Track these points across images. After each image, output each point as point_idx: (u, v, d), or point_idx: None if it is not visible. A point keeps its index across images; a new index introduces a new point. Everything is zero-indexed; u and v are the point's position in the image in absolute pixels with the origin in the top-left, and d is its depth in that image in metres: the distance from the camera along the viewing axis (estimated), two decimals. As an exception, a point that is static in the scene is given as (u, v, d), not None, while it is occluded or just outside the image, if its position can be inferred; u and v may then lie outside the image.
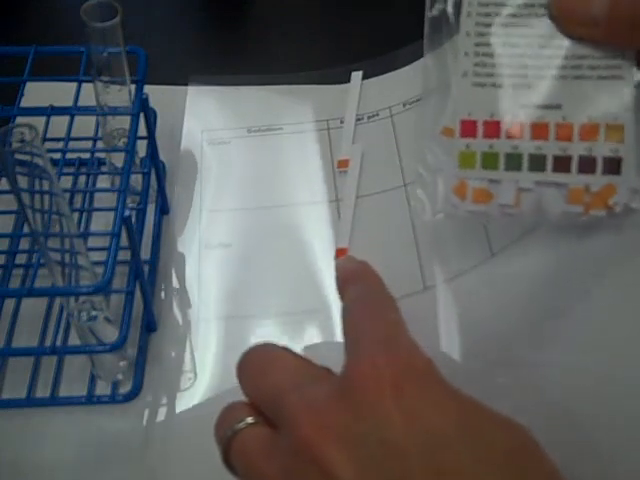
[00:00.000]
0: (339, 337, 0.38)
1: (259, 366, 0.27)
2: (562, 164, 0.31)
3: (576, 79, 0.31)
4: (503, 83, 0.32)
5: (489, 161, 0.32)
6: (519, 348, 0.33)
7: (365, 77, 0.49)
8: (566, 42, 0.31)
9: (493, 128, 0.32)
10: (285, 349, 0.28)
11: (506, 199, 0.32)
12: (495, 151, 0.32)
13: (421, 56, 0.47)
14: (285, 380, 0.26)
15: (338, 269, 0.30)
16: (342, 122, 0.47)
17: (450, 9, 0.34)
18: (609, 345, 0.30)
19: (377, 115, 0.47)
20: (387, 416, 0.23)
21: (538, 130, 0.31)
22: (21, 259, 0.41)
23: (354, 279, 0.29)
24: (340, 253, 0.41)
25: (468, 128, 0.32)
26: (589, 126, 0.31)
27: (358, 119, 0.47)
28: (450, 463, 0.22)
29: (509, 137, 0.32)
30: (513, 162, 0.32)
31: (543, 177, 0.31)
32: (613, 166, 0.31)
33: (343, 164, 0.45)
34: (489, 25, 0.32)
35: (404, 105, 0.47)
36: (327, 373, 0.27)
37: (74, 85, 0.38)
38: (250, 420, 0.26)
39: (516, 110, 0.32)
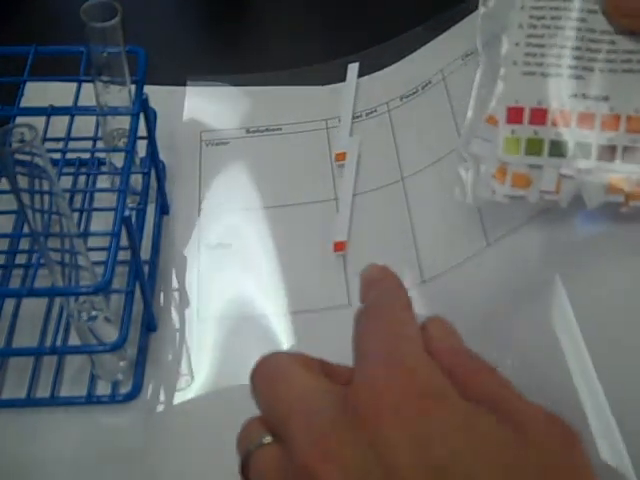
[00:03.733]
0: (338, 338, 0.38)
1: (268, 382, 0.26)
2: (607, 153, 0.31)
3: (625, 72, 0.31)
4: (552, 73, 0.32)
5: (533, 147, 0.32)
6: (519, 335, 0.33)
7: (362, 73, 0.49)
8: (616, 36, 0.32)
9: (540, 115, 0.32)
10: (294, 359, 0.27)
11: (547, 185, 0.32)
12: (540, 137, 0.32)
13: (416, 49, 0.48)
14: (291, 400, 0.25)
15: (362, 278, 0.29)
16: (340, 120, 0.47)
17: (502, 3, 0.35)
18: (608, 337, 0.30)
19: (375, 111, 0.47)
20: (387, 444, 0.22)
21: (584, 120, 0.32)
22: (21, 259, 0.41)
23: (371, 286, 0.28)
24: (339, 246, 0.41)
25: (515, 115, 0.33)
26: (635, 118, 0.31)
27: (357, 116, 0.47)
28: None
29: (555, 125, 0.32)
30: (558, 149, 0.32)
31: (586, 165, 0.31)
32: None
33: (340, 157, 0.45)
34: (542, 18, 0.33)
35: (401, 99, 0.46)
36: (334, 387, 0.25)
37: (74, 85, 0.38)
38: (266, 440, 0.25)
39: (564, 99, 0.32)
